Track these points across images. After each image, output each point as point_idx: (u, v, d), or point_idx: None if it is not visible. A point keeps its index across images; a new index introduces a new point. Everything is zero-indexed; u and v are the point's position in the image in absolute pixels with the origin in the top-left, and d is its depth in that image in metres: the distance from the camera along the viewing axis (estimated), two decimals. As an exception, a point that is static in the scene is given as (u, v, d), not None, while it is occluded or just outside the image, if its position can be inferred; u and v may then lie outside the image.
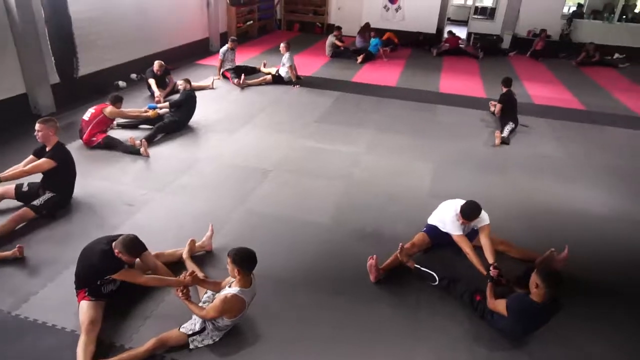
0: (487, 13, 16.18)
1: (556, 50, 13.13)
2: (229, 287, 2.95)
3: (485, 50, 12.75)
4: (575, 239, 4.23)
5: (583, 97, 9.14)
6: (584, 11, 14.59)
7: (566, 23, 13.68)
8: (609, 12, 13.96)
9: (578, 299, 3.49)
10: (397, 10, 13.94)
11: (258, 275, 3.03)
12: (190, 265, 3.48)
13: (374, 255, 3.59)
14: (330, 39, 11.17)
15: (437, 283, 3.53)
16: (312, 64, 10.45)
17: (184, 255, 3.60)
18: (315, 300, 3.42)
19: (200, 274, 3.26)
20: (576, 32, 13.74)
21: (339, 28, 11.35)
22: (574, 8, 14.76)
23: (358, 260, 3.74)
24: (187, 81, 6.56)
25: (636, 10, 14.65)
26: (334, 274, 3.70)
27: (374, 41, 11.38)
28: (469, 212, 3.63)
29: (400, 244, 3.70)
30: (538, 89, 9.51)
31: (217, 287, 3.13)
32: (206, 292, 3.21)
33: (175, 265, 3.56)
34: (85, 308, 2.96)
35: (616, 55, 13.20)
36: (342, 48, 11.26)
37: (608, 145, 6.77)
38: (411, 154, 6.02)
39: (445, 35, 13.87)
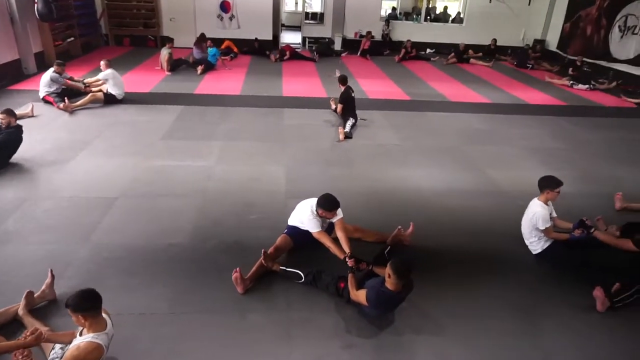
0: (317, 18, 17.25)
1: (380, 48, 14.62)
2: (80, 335, 2.62)
3: (320, 52, 13.57)
4: (419, 214, 4.77)
5: (407, 88, 10.35)
6: (398, 13, 16.52)
7: (385, 24, 15.32)
8: (417, 13, 16.04)
9: (429, 268, 3.94)
10: (231, 18, 13.98)
11: (116, 313, 2.75)
12: (30, 322, 3.01)
13: (237, 268, 3.54)
14: (164, 52, 10.68)
15: (303, 280, 3.63)
16: (149, 80, 9.89)
17: (20, 312, 3.09)
18: (184, 326, 3.23)
19: (44, 329, 2.83)
20: (394, 31, 15.49)
21: (170, 40, 10.91)
22: (389, 11, 16.59)
23: (224, 275, 3.66)
24: (9, 113, 5.52)
25: (437, 12, 17.10)
26: (200, 294, 3.55)
27: (211, 51, 11.23)
28: (328, 204, 3.80)
29: (263, 250, 3.73)
30: (370, 84, 10.47)
31: (70, 338, 2.76)
32: (53, 348, 2.81)
33: (11, 325, 3.04)
34: None
35: (428, 50, 15.25)
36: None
37: (432, 128, 7.78)
38: (263, 159, 6.10)
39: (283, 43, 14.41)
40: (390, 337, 3.24)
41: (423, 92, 10.08)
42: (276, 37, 14.71)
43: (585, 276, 3.86)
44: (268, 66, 12.12)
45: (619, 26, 12.50)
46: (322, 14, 16.07)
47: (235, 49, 13.00)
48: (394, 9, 16.73)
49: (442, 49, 15.28)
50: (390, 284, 3.10)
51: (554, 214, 4.21)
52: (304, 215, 3.88)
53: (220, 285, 3.62)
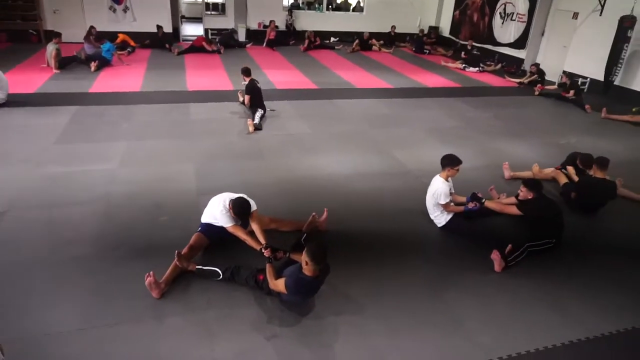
0: (219, 9, 16.75)
1: (286, 39, 14.62)
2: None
3: (225, 44, 13.24)
4: (332, 199, 4.91)
5: (314, 77, 10.50)
6: (300, 3, 16.60)
7: (288, 14, 15.33)
8: (319, 3, 16.24)
9: (346, 250, 4.09)
10: (125, 10, 13.10)
11: (16, 337, 2.50)
12: None
13: (150, 272, 3.39)
14: (50, 47, 9.72)
15: (221, 277, 3.58)
16: (34, 79, 8.97)
17: None
18: (95, 342, 3.03)
19: None
20: (298, 21, 15.57)
21: (58, 35, 9.96)
22: (292, 0, 16.59)
23: (137, 282, 3.48)
24: None
25: (339, 1, 17.45)
26: (112, 305, 3.35)
27: (105, 46, 10.44)
28: (237, 209, 3.75)
29: (177, 251, 3.61)
30: (277, 75, 10.45)
31: None
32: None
33: None
34: None
35: (332, 39, 15.55)
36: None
37: (340, 115, 7.99)
38: (171, 158, 5.86)
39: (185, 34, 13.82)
40: (313, 322, 3.32)
41: (330, 81, 10.30)
42: (176, 29, 14.08)
43: (483, 242, 4.24)
44: (169, 60, 11.57)
45: (500, 13, 13.72)
46: (223, 5, 15.63)
47: (133, 43, 12.23)
48: (296, -2, 16.81)
49: (345, 38, 15.70)
50: (307, 269, 3.17)
51: (452, 190, 4.56)
52: (216, 211, 3.81)
53: (134, 292, 3.44)
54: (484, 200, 4.42)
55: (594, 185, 5.01)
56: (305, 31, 14.52)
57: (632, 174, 5.98)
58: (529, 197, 4.25)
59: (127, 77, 9.66)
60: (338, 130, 7.20)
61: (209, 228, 3.92)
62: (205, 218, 3.98)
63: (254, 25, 15.04)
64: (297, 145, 6.52)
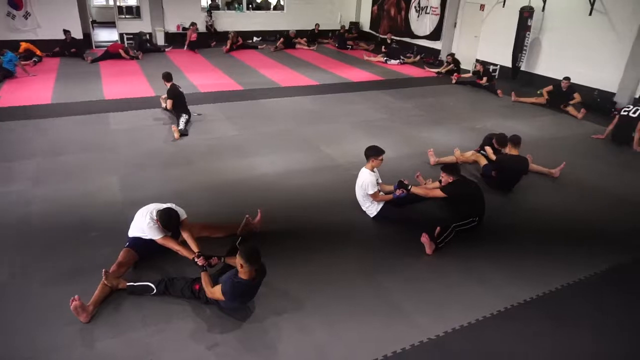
0: (134, 12, 15.99)
1: (207, 40, 14.26)
2: None
3: (143, 48, 12.67)
4: (266, 200, 4.89)
5: (238, 78, 10.35)
6: (219, 3, 16.26)
7: (207, 15, 14.96)
8: (238, 3, 16.00)
9: (282, 248, 4.08)
10: (25, 16, 12.10)
11: None
12: None
13: (75, 296, 3.18)
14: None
15: (155, 291, 3.45)
16: None
17: None
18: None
19: None
20: (219, 22, 15.24)
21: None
22: (210, 1, 16.21)
23: (62, 309, 3.25)
24: None
25: (259, 0, 17.30)
26: (33, 340, 3.09)
27: (6, 56, 9.58)
28: (165, 221, 3.62)
29: (104, 269, 3.42)
30: (201, 78, 10.19)
31: None
32: None
33: None
34: None
35: (255, 39, 15.42)
36: None
37: (268, 115, 7.95)
38: (93, 171, 5.52)
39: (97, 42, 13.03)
40: (254, 325, 3.29)
41: (255, 81, 10.20)
42: (87, 35, 13.25)
43: (414, 227, 4.41)
44: (82, 68, 10.86)
45: (415, 7, 14.31)
46: (138, 8, 14.92)
47: (38, 52, 11.34)
48: (214, -2, 16.44)
49: (268, 37, 15.62)
50: (243, 273, 3.13)
51: (380, 180, 4.71)
52: (144, 224, 3.65)
53: (59, 321, 3.21)
54: (410, 186, 4.61)
55: (510, 161, 5.41)
56: (227, 32, 14.26)
57: (540, 150, 6.52)
58: (450, 181, 4.49)
59: (34, 88, 8.93)
60: (267, 130, 7.17)
61: (138, 242, 3.75)
62: (133, 232, 3.80)
63: (172, 28, 14.52)
64: (226, 148, 6.41)
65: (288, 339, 3.18)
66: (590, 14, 9.39)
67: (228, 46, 13.59)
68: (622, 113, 7.34)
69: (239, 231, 4.19)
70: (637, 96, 8.39)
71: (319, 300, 3.56)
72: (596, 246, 4.46)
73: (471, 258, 4.16)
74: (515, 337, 3.29)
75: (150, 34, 13.92)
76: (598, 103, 9.03)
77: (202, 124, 7.29)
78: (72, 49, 11.86)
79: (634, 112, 7.17)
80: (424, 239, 4.14)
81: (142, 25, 14.04)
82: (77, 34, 12.60)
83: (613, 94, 9.12)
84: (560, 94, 8.97)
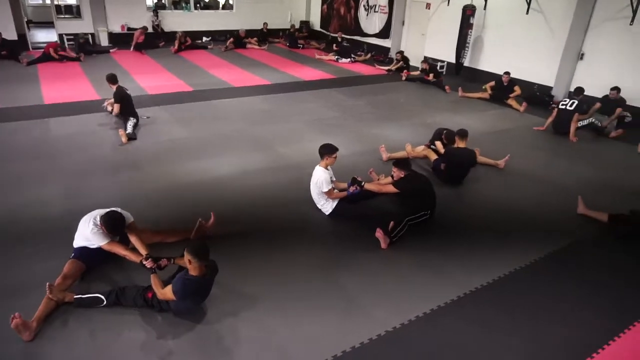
0: (74, 11, 15.25)
1: (155, 41, 13.83)
2: None
3: (84, 50, 12.11)
4: (220, 202, 4.81)
5: (188, 78, 10.11)
6: (166, 3, 15.81)
7: (153, 14, 14.51)
8: (185, 2, 15.61)
9: (237, 250, 4.03)
10: (-49, 17, 11.28)
11: None
12: None
13: (16, 313, 2.99)
14: None
15: (105, 302, 3.30)
16: None
17: None
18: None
19: None
20: (166, 22, 14.82)
21: None
22: (155, 0, 15.71)
23: (1, 326, 3.05)
24: None
25: (206, 0, 17.00)
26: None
27: None
28: (114, 225, 3.48)
29: (48, 283, 3.23)
30: (149, 80, 9.86)
31: None
32: None
33: None
34: None
35: (204, 39, 15.11)
36: None
37: (220, 116, 7.81)
38: (34, 181, 5.21)
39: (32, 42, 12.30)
40: (210, 329, 3.22)
41: (205, 81, 10.00)
42: (23, 35, 12.51)
43: (369, 223, 4.45)
44: (18, 71, 10.24)
45: (364, 5, 14.52)
46: (78, 7, 14.23)
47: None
48: (157, -3, 15.95)
49: (218, 36, 15.36)
50: (193, 269, 3.07)
51: (334, 178, 4.75)
52: (87, 231, 3.49)
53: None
54: (363, 183, 4.67)
55: (459, 153, 5.60)
56: (175, 32, 13.88)
57: (486, 143, 6.79)
58: (402, 176, 4.59)
59: (-36, 94, 8.34)
60: (219, 132, 7.05)
61: (84, 252, 3.59)
62: (78, 242, 3.63)
63: (116, 28, 13.97)
64: (178, 152, 6.24)
65: (246, 341, 3.14)
66: (527, 12, 9.88)
67: (176, 46, 13.25)
68: (560, 106, 7.77)
69: (192, 235, 4.09)
70: (571, 89, 8.90)
71: (277, 299, 3.54)
72: (539, 232, 4.69)
73: (424, 250, 4.28)
74: (467, 323, 3.40)
75: (92, 34, 13.32)
76: (538, 96, 9.51)
77: (152, 127, 7.07)
78: (3, 52, 11.14)
79: (571, 105, 7.61)
80: (379, 234, 4.21)
81: (83, 26, 13.44)
82: (11, 34, 11.87)
83: (551, 88, 9.65)
84: (503, 88, 9.40)
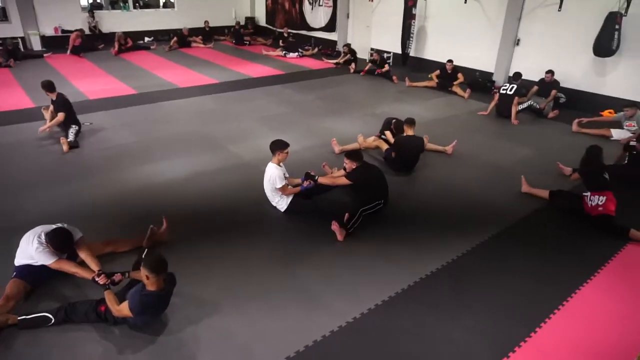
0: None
1: (93, 43, 13.22)
2: None
3: (15, 56, 11.39)
4: (173, 206, 4.70)
5: (131, 81, 9.74)
6: (102, 2, 15.12)
7: (89, 15, 13.85)
8: (123, 1, 14.99)
9: (193, 255, 3.95)
10: None
11: None
12: None
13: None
14: None
15: (53, 321, 3.15)
16: None
17: None
18: None
19: None
20: (104, 22, 14.19)
21: None
22: (91, 0, 14.99)
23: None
24: None
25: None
26: None
27: None
28: (61, 242, 3.32)
29: (-13, 306, 3.05)
30: (89, 84, 9.43)
31: None
32: None
33: None
34: None
35: (146, 39, 14.60)
36: None
37: (168, 118, 7.59)
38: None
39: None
40: (170, 338, 3.15)
41: (150, 83, 9.68)
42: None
43: (325, 216, 4.49)
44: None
45: (308, 0, 14.50)
46: (3, 9, 13.32)
47: None
48: (95, -3, 15.23)
49: (161, 36, 14.89)
50: (150, 284, 2.97)
51: (287, 174, 4.74)
52: (31, 250, 3.31)
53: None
54: (317, 177, 4.69)
55: (408, 141, 5.74)
56: (114, 33, 13.31)
57: (434, 130, 6.99)
58: (354, 167, 4.65)
59: None
60: (168, 134, 6.85)
61: (27, 270, 3.40)
62: (20, 260, 3.43)
63: (49, 31, 13.23)
64: (125, 157, 6.02)
65: (209, 347, 3.09)
66: (465, 1, 10.21)
67: (116, 48, 12.72)
68: (501, 91, 8.12)
69: (145, 243, 3.96)
70: (510, 74, 9.31)
71: (237, 300, 3.51)
72: (488, 213, 4.90)
73: (380, 239, 4.36)
74: (422, 307, 3.50)
75: (22, 38, 12.55)
76: (480, 83, 9.89)
77: (95, 134, 6.77)
78: None
79: (510, 90, 7.97)
80: (334, 226, 4.25)
81: (10, 29, 12.62)
82: None
83: (492, 74, 10.05)
84: (447, 76, 9.71)
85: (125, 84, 9.59)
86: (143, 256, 3.63)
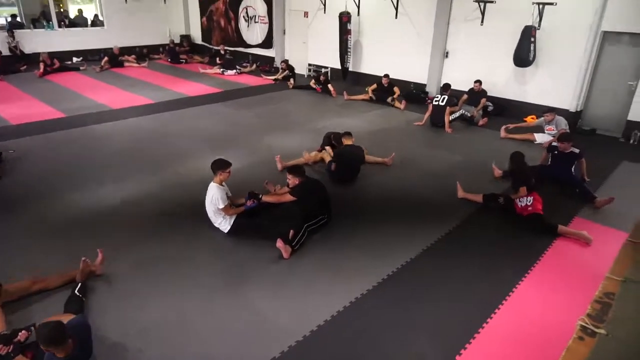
0: None
1: (14, 64, 12.42)
2: None
3: None
4: (109, 235, 4.46)
5: (59, 104, 9.22)
6: (24, 21, 14.28)
7: (8, 35, 13.02)
8: (47, 20, 14.24)
9: (130, 287, 3.76)
10: None
11: None
12: None
13: None
14: None
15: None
16: None
17: None
18: None
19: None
20: (26, 42, 13.38)
21: None
22: (9, 19, 14.11)
23: None
24: None
25: (72, 16, 15.65)
26: None
27: None
28: None
29: None
30: (11, 109, 8.82)
31: None
32: None
33: None
34: None
35: (74, 59, 13.93)
36: None
37: (100, 141, 7.23)
38: None
39: None
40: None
41: (80, 106, 9.20)
42: None
43: (270, 235, 4.42)
44: None
45: (244, 17, 14.51)
46: None
47: None
48: (14, 16, 14.32)
49: (90, 56, 14.27)
50: (58, 353, 2.62)
51: (229, 193, 4.66)
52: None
53: None
54: (260, 195, 4.65)
55: (347, 150, 5.90)
56: (39, 53, 12.57)
57: (373, 142, 7.18)
58: (297, 182, 4.65)
59: None
60: (101, 158, 6.53)
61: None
62: None
63: (-38, 53, 12.29)
64: (55, 185, 5.65)
65: (151, 381, 2.95)
66: (396, 17, 10.65)
67: (42, 70, 12.01)
68: (434, 102, 8.49)
69: (78, 277, 3.72)
70: (441, 85, 9.80)
71: (183, 325, 3.37)
72: (430, 219, 5.07)
73: (327, 253, 4.38)
74: (375, 316, 3.54)
75: None
76: (414, 94, 10.30)
77: (19, 162, 6.31)
78: None
79: (442, 101, 8.36)
80: (280, 244, 4.22)
81: None
82: None
83: (425, 85, 10.51)
84: (384, 90, 10.04)
85: (52, 107, 9.06)
86: (76, 292, 3.45)
